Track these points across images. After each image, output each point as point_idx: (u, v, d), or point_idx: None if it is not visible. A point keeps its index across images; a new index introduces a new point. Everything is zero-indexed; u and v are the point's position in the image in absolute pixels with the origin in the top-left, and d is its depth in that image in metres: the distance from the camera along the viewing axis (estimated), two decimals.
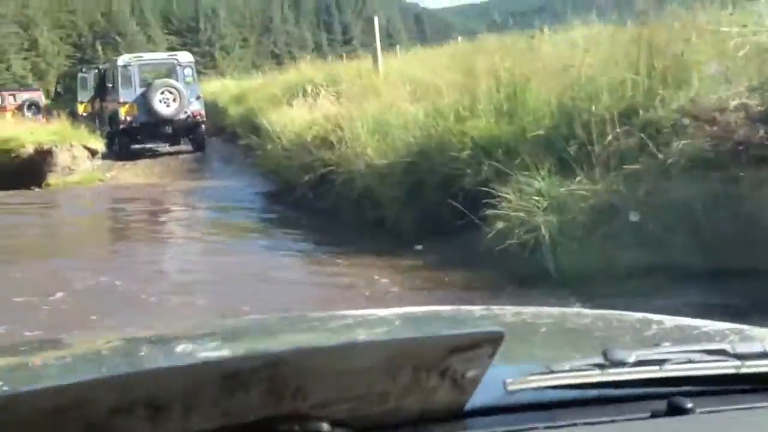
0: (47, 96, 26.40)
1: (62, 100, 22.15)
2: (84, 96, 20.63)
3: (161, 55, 21.30)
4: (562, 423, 0.94)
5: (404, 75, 12.39)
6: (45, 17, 65.58)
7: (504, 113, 7.24)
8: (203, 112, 18.28)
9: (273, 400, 0.84)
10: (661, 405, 0.97)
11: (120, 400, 0.79)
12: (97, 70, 21.02)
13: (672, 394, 0.98)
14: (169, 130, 17.84)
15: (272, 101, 14.65)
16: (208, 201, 12.05)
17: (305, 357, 0.88)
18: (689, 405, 0.96)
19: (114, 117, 18.05)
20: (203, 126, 18.34)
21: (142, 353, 1.38)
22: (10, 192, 15.28)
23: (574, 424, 0.93)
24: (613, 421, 0.94)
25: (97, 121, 18.69)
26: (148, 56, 20.27)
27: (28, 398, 0.81)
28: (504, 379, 0.96)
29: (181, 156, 18.90)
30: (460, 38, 17.73)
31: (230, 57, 71.89)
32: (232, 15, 75.69)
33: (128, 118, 17.53)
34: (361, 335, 1.47)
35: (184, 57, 19.25)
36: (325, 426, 0.85)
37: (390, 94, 10.27)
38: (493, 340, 0.90)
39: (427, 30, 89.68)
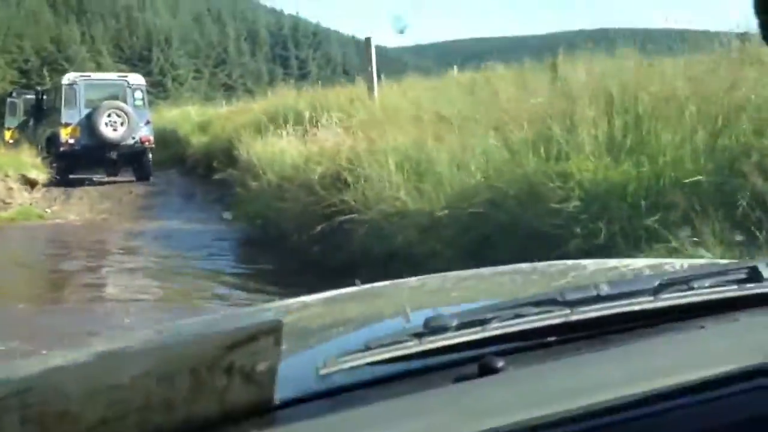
0: None
1: None
2: (12, 122, 18.86)
3: (110, 76, 19.23)
4: (368, 404, 0.85)
5: (411, 104, 10.17)
6: None
7: (623, 150, 5.00)
8: (152, 138, 16.54)
9: (35, 430, 0.75)
10: (474, 368, 0.90)
11: None
12: (35, 92, 19.20)
13: (490, 354, 0.92)
14: (113, 155, 16.02)
15: (251, 130, 12.23)
16: (174, 252, 9.45)
17: (58, 379, 0.81)
18: (500, 364, 0.89)
19: (53, 139, 15.91)
20: (150, 154, 16.54)
21: None
22: None
23: (377, 403, 0.85)
24: (418, 391, 0.86)
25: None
26: (95, 75, 18.43)
27: None
28: (317, 364, 0.90)
29: (134, 189, 16.32)
30: (456, 69, 15.60)
31: (183, 87, 69.16)
32: (186, 45, 73.00)
33: (70, 141, 15.57)
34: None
35: (135, 79, 17.36)
36: None
37: (411, 125, 8.01)
38: (273, 330, 0.84)
39: (382, 68, 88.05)
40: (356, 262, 6.66)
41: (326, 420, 0.84)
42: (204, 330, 1.41)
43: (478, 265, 2.37)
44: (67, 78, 16.71)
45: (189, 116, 19.89)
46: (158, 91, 66.39)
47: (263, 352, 0.83)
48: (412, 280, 1.70)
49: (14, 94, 20.68)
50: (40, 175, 14.52)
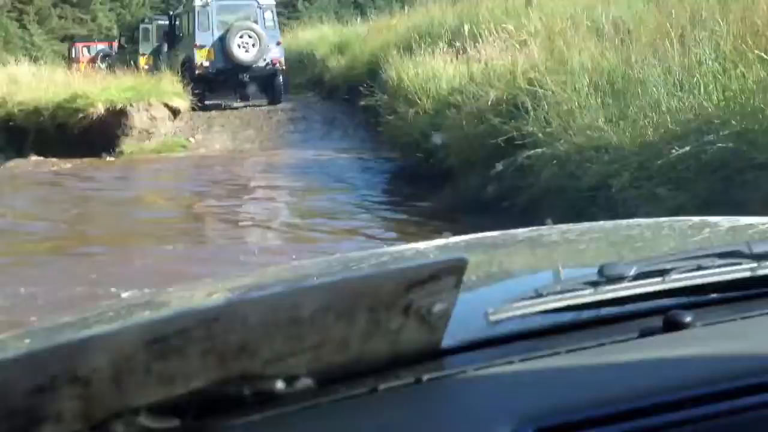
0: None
1: (125, 53, 19.78)
2: (146, 48, 18.30)
3: None
4: (542, 353, 0.81)
5: (582, 12, 8.72)
6: None
7: None
8: (283, 60, 15.80)
9: (216, 362, 0.73)
10: (658, 321, 0.84)
11: (37, 378, 0.68)
12: (167, 16, 18.27)
13: (673, 307, 0.86)
14: (246, 78, 15.40)
15: (397, 50, 11.09)
16: (330, 185, 8.58)
17: (242, 310, 0.76)
18: (688, 319, 0.84)
19: (188, 63, 15.26)
20: (281, 76, 15.82)
21: (68, 329, 1.23)
22: (75, 161, 12.27)
23: (557, 353, 0.81)
24: (600, 345, 0.82)
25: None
26: None
27: None
28: (487, 309, 0.86)
29: (275, 115, 15.60)
30: None
31: (313, 6, 68.44)
32: None
33: (205, 64, 15.04)
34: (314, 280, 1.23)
35: None
36: (279, 383, 0.75)
37: (591, 39, 6.68)
38: (455, 269, 0.79)
39: None
40: (541, 207, 5.53)
41: (497, 368, 0.80)
42: (388, 263, 1.35)
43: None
44: (200, 0, 16.06)
45: (325, 36, 18.86)
46: (289, 11, 65.82)
47: (442, 292, 0.79)
48: (578, 226, 1.61)
49: (146, 20, 20.20)
50: (182, 102, 13.96)
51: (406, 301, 0.77)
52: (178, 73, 15.17)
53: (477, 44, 8.59)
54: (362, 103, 10.84)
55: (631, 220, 1.68)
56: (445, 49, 9.09)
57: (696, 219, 1.47)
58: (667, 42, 5.62)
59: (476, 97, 6.82)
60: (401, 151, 8.84)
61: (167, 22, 17.96)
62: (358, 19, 22.10)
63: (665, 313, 0.85)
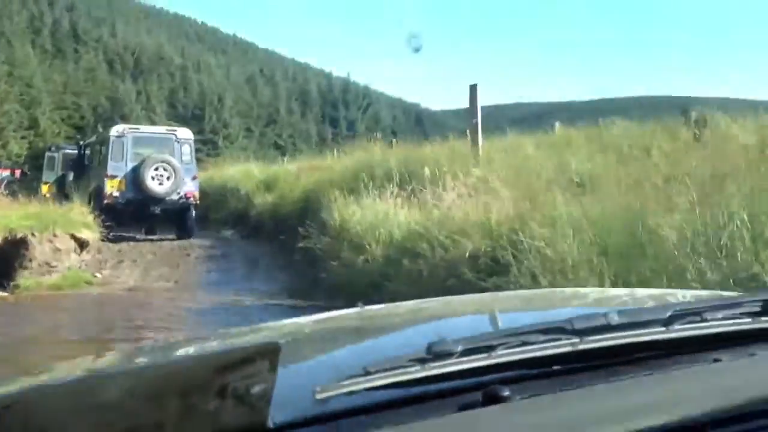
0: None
1: (27, 181, 19.91)
2: (49, 176, 18.12)
3: (159, 129, 17.97)
4: (366, 430, 0.82)
5: (532, 162, 8.09)
6: (49, 97, 61.88)
7: None
8: (197, 194, 15.54)
9: None
10: (478, 396, 0.87)
11: None
12: (77, 145, 18.27)
13: (494, 382, 0.89)
14: (157, 210, 15.09)
15: (334, 190, 10.17)
16: None
17: (41, 396, 0.77)
18: (506, 393, 0.86)
19: (97, 192, 14.75)
20: (194, 211, 15.57)
21: None
22: None
23: (379, 428, 0.82)
24: (423, 419, 0.83)
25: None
26: (144, 128, 17.27)
27: None
28: (314, 387, 0.85)
29: (192, 252, 14.35)
30: (557, 125, 13.51)
31: (234, 146, 68.42)
32: (238, 105, 72.43)
33: (115, 194, 14.67)
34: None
35: (184, 133, 16.26)
36: None
37: (557, 188, 5.90)
38: (269, 352, 0.80)
39: (427, 130, 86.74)
40: None
41: None
42: (199, 350, 1.32)
43: None
44: (116, 130, 15.48)
45: (250, 172, 17.98)
46: (209, 148, 65.58)
47: (259, 374, 0.79)
48: (411, 304, 1.63)
49: (53, 149, 19.72)
50: (91, 234, 12.59)
51: (221, 383, 0.77)
52: (89, 202, 14.22)
53: (429, 189, 7.74)
54: (300, 244, 9.72)
55: (463, 296, 1.70)
56: (394, 192, 8.20)
57: (527, 292, 1.74)
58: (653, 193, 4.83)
59: (445, 246, 5.83)
60: (345, 301, 7.73)
61: (74, 151, 17.54)
62: (285, 158, 21.33)
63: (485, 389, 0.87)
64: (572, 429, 0.79)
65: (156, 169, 14.70)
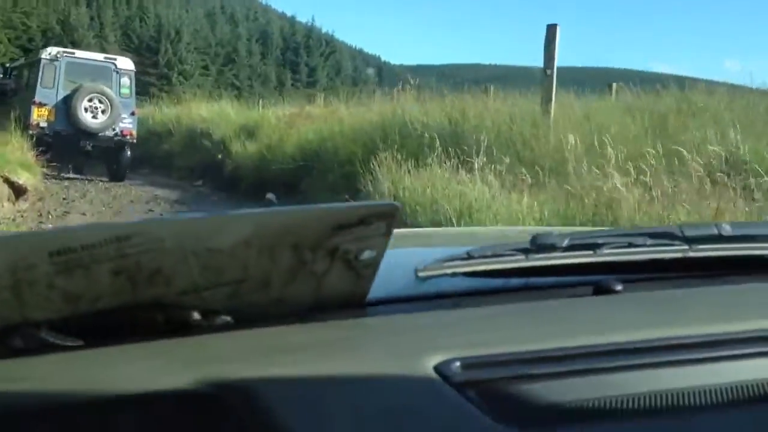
0: None
1: None
2: None
3: (96, 55, 15.26)
4: (469, 313, 0.77)
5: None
6: None
7: None
8: (134, 132, 13.72)
9: (125, 284, 0.65)
10: (588, 290, 0.83)
11: None
12: (2, 68, 15.38)
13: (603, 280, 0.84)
14: (89, 146, 13.28)
15: (362, 150, 7.43)
16: None
17: (157, 231, 0.66)
18: (619, 287, 0.82)
19: (21, 122, 12.36)
20: (129, 150, 13.75)
21: None
22: None
23: (481, 309, 0.78)
24: (520, 303, 0.80)
25: None
26: (80, 53, 14.68)
27: None
28: (417, 265, 0.83)
29: (156, 207, 11.46)
30: (615, 86, 10.85)
31: (188, 83, 64.22)
32: (196, 40, 68.02)
33: (41, 124, 12.75)
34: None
35: (124, 63, 14.25)
36: (195, 315, 0.68)
37: None
38: (387, 214, 0.71)
39: (386, 81, 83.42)
40: None
41: (424, 314, 0.77)
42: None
43: None
44: (48, 52, 13.33)
45: (225, 115, 14.95)
46: (162, 83, 61.34)
47: (371, 238, 0.72)
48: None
49: None
50: (31, 177, 9.58)
51: (333, 243, 0.71)
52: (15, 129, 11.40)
53: (572, 169, 5.06)
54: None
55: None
56: (480, 164, 5.49)
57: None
58: None
59: None
60: None
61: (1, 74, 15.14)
62: (260, 100, 18.18)
63: (596, 284, 0.83)
64: (688, 325, 0.71)
65: (90, 100, 12.93)
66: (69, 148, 12.97)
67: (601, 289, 0.81)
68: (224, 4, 77.76)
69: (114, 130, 13.25)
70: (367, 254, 0.73)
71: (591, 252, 0.85)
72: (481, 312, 0.76)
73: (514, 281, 0.84)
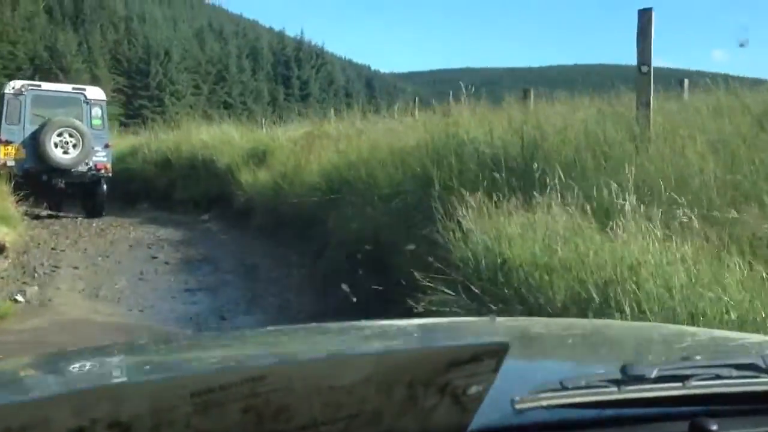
0: None
1: None
2: None
3: (64, 87, 14.25)
4: None
5: None
6: None
7: None
8: (109, 166, 12.88)
9: (252, 420, 0.70)
10: (683, 427, 0.82)
11: (80, 418, 0.66)
12: None
13: (695, 414, 0.84)
14: (61, 183, 12.41)
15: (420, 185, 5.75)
16: None
17: (287, 371, 0.75)
18: (714, 427, 0.81)
19: None
20: (105, 186, 12.88)
21: (108, 367, 1.15)
22: None
23: None
24: None
25: None
26: (46, 86, 13.68)
27: None
28: (513, 396, 0.83)
29: (159, 252, 9.75)
30: (686, 82, 9.19)
31: (180, 103, 62.51)
32: (186, 61, 66.38)
33: (9, 163, 11.90)
34: (358, 347, 1.19)
35: (94, 93, 13.33)
36: None
37: None
38: (496, 352, 0.77)
39: (377, 92, 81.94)
40: None
41: None
42: (426, 335, 1.30)
43: None
44: (11, 86, 12.58)
45: (230, 140, 13.24)
46: (154, 105, 59.70)
47: (480, 374, 0.76)
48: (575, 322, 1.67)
49: None
50: (10, 231, 7.87)
51: (445, 379, 0.75)
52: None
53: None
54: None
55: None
56: (630, 209, 3.79)
57: (673, 327, 1.49)
58: None
59: None
60: None
61: None
62: (263, 120, 16.43)
63: (690, 419, 0.83)
64: None
65: (60, 135, 12.07)
66: (40, 186, 11.97)
67: (696, 430, 0.80)
68: (212, 22, 76.08)
69: (87, 164, 12.45)
70: (474, 389, 0.76)
71: (680, 384, 0.85)
72: None
73: (608, 412, 0.83)
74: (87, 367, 1.15)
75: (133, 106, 59.36)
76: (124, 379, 1.00)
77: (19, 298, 7.67)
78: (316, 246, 8.52)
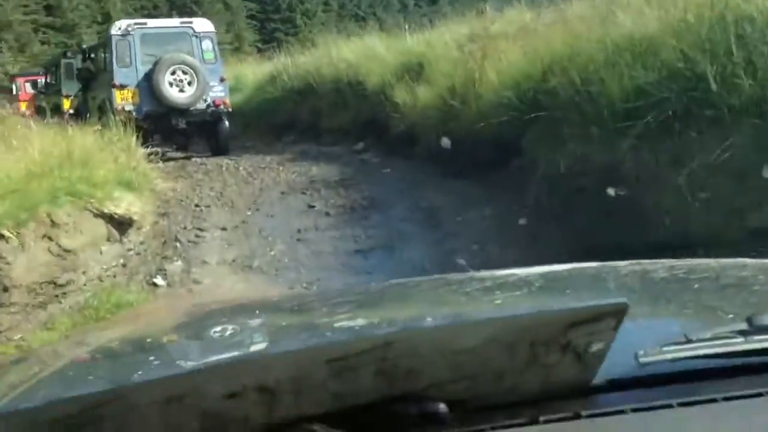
0: None
1: (51, 93, 13.98)
2: (71, 88, 12.73)
3: (170, 22, 13.13)
4: (700, 398, 0.77)
5: None
6: None
7: None
8: (228, 101, 11.58)
9: (384, 382, 0.75)
10: None
11: (231, 386, 0.73)
12: (80, 50, 13.11)
13: None
14: (182, 123, 11.16)
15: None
16: None
17: (415, 338, 0.79)
18: None
19: (105, 108, 10.56)
20: (227, 122, 11.54)
21: (251, 336, 1.19)
22: None
23: (713, 400, 0.77)
24: (759, 395, 0.77)
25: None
26: (153, 23, 12.44)
27: (142, 389, 0.76)
28: (636, 350, 0.82)
29: (316, 199, 7.94)
30: None
31: (312, 22, 60.88)
32: None
33: (127, 107, 10.64)
34: (499, 300, 1.21)
35: (202, 24, 11.90)
36: (442, 407, 0.75)
37: None
38: (616, 312, 0.76)
39: None
40: None
41: (655, 412, 0.76)
42: (546, 285, 1.30)
43: None
44: (117, 27, 11.21)
45: (377, 55, 11.12)
46: (287, 27, 58.37)
47: (601, 332, 0.76)
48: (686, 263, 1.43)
49: (69, 54, 14.28)
50: (138, 202, 6.24)
51: (566, 339, 0.76)
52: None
53: None
54: None
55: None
56: None
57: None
58: None
59: None
60: None
61: (81, 56, 12.94)
62: (406, 27, 13.95)
63: None
64: None
65: (173, 73, 10.94)
66: (162, 129, 10.91)
67: None
68: None
69: (205, 101, 11.18)
70: (595, 347, 0.76)
71: None
72: (712, 409, 0.74)
73: (734, 361, 0.81)
74: (228, 332, 1.18)
75: (267, 30, 58.42)
76: (266, 344, 1.02)
77: (159, 281, 6.08)
78: (512, 180, 6.38)
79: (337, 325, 1.15)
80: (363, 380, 0.73)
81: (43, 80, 15.24)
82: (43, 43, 44.84)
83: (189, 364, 0.90)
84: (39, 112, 11.99)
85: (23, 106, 14.72)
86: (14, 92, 16.86)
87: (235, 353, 0.89)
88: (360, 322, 1.17)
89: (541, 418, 0.75)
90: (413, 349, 0.74)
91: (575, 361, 0.76)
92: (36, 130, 7.51)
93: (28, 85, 16.70)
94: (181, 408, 0.71)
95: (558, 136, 5.62)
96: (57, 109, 12.27)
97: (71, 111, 12.23)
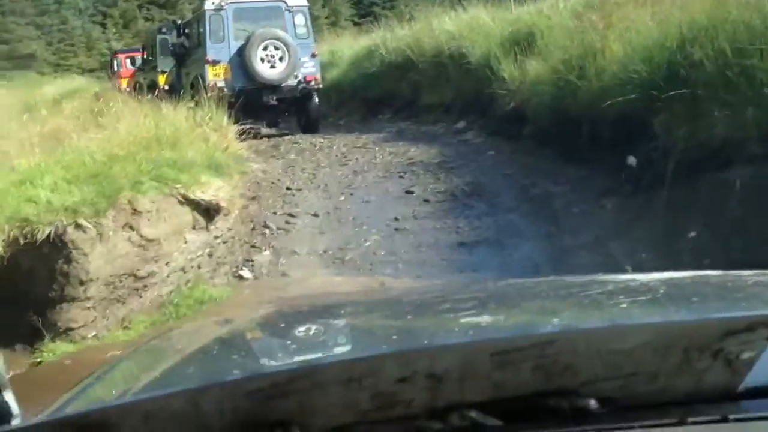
0: None
1: (148, 70, 13.87)
2: (166, 64, 12.57)
3: None
4: None
5: None
6: None
7: None
8: (319, 78, 11.23)
9: (542, 377, 0.79)
10: None
11: (404, 371, 0.79)
12: (174, 25, 12.58)
13: None
14: (273, 100, 10.75)
15: None
16: None
17: (575, 338, 0.82)
18: None
19: (197, 84, 10.08)
20: (317, 99, 11.12)
21: (420, 325, 1.19)
22: None
23: None
24: None
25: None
26: None
27: (326, 369, 0.83)
28: None
29: (418, 184, 7.30)
30: None
31: None
32: None
33: (219, 84, 10.32)
34: (624, 304, 1.14)
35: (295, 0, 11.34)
36: (593, 402, 0.78)
37: None
38: None
39: None
40: None
41: None
42: (702, 288, 1.23)
43: None
44: (212, 2, 10.78)
45: (483, 26, 10.30)
46: (384, 1, 57.64)
47: (753, 342, 0.77)
48: None
49: (164, 30, 14.09)
50: (226, 187, 5.78)
51: (719, 346, 0.77)
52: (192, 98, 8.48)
53: None
54: None
55: None
56: None
57: None
58: None
59: None
60: None
61: (175, 32, 12.57)
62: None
63: None
64: None
65: (265, 48, 10.57)
66: (253, 106, 10.36)
67: None
68: None
69: (296, 77, 10.83)
70: (746, 354, 0.78)
71: None
72: None
73: None
74: (401, 322, 1.22)
75: (363, 4, 57.81)
76: (436, 338, 1.01)
77: (245, 273, 5.60)
78: (640, 168, 5.54)
79: (487, 321, 1.15)
80: (522, 373, 0.78)
81: (142, 57, 15.17)
82: (147, 19, 45.80)
83: (367, 349, 0.94)
84: (137, 88, 11.81)
85: (124, 83, 14.71)
86: (115, 69, 16.98)
87: (407, 341, 0.94)
88: (510, 319, 1.17)
89: (689, 419, 0.76)
90: (572, 347, 0.79)
91: (725, 367, 0.79)
92: (128, 108, 7.18)
93: (128, 62, 16.76)
94: (360, 388, 0.79)
95: (701, 118, 4.76)
96: (153, 86, 12.05)
97: (165, 87, 12.04)
